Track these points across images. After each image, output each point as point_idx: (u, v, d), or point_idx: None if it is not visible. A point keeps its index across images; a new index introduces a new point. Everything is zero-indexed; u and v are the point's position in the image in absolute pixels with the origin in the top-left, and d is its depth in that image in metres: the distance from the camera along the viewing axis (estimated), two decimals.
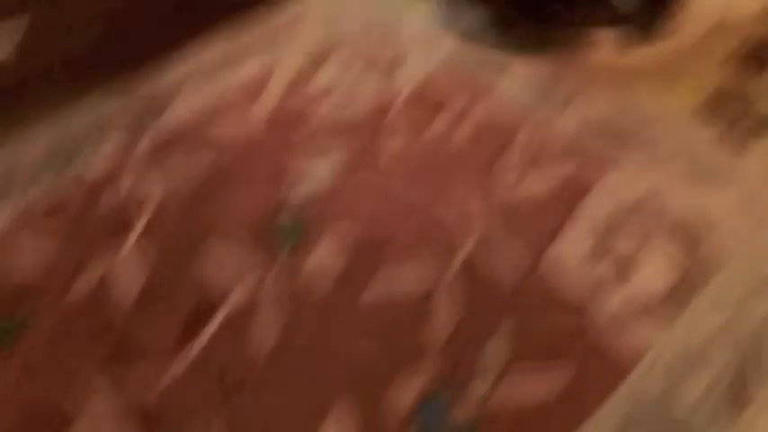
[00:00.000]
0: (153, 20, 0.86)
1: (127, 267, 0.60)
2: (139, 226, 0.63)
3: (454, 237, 0.62)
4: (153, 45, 0.81)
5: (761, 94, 0.78)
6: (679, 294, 0.59)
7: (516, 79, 0.77)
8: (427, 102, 0.76)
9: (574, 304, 0.59)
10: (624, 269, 0.61)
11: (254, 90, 0.76)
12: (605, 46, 0.82)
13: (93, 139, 0.70)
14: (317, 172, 0.67)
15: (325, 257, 0.60)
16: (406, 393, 0.53)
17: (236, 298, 0.58)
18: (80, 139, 0.71)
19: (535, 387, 0.54)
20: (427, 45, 0.82)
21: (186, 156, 0.68)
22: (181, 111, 0.72)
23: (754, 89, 0.79)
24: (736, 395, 0.53)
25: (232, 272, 0.59)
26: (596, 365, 0.55)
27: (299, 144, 0.71)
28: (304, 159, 0.69)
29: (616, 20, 0.83)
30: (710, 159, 0.69)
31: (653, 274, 0.60)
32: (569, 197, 0.66)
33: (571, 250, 0.62)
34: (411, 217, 0.64)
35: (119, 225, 0.63)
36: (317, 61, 0.79)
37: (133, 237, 0.62)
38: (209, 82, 0.76)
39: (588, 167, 0.68)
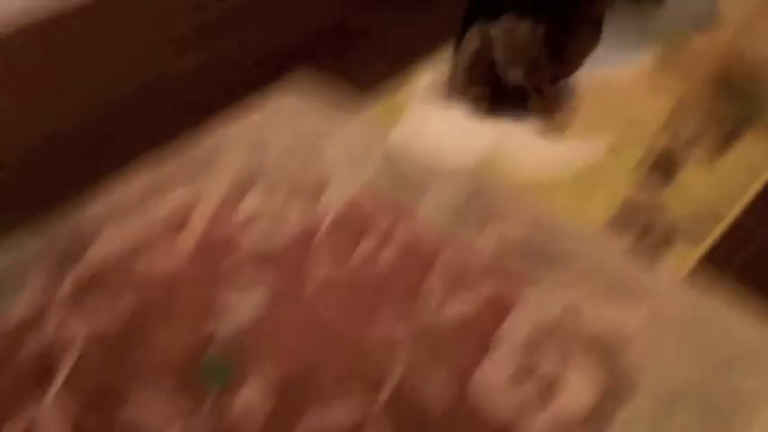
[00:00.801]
0: (73, 153, 0.86)
1: (50, 419, 0.59)
2: (62, 373, 0.62)
3: (382, 367, 0.63)
4: (74, 179, 0.81)
5: (668, 204, 0.82)
6: (600, 413, 0.60)
7: (436, 200, 0.79)
8: (352, 225, 0.78)
9: (500, 427, 0.60)
10: (547, 390, 0.62)
11: (179, 222, 0.77)
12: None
13: (14, 281, 0.70)
14: (242, 306, 0.68)
15: (252, 398, 0.60)
16: None
17: None
18: (1, 282, 0.70)
19: None
20: (350, 168, 0.84)
21: (109, 297, 0.68)
22: (103, 249, 0.72)
23: (662, 199, 0.83)
24: None
25: (159, 418, 0.59)
26: None
27: (224, 276, 0.71)
28: (230, 293, 0.70)
29: None
30: (623, 273, 0.72)
31: (575, 393, 0.62)
32: (491, 318, 0.67)
33: (495, 373, 0.63)
34: (339, 348, 0.65)
35: (42, 372, 0.63)
36: (241, 190, 0.81)
37: (56, 385, 0.61)
38: (132, 216, 0.76)
39: (508, 287, 0.70)
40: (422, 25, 1.12)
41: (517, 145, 0.91)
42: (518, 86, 0.93)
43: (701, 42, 1.08)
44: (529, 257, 0.72)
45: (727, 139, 0.92)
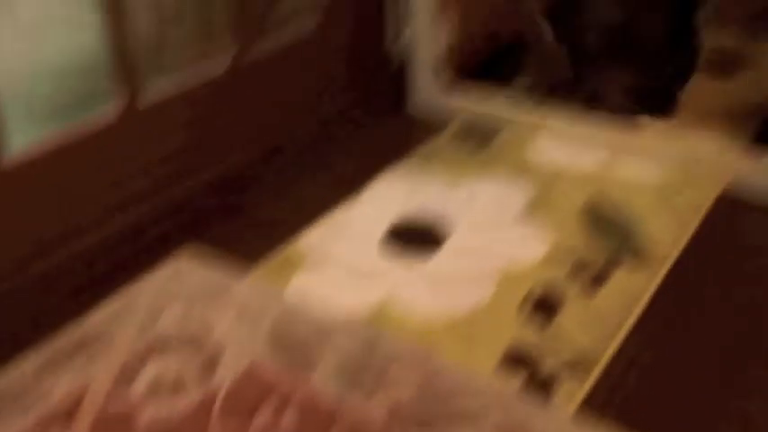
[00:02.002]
0: None
1: None
2: None
3: None
4: None
5: (550, 346, 0.87)
6: None
7: (330, 362, 0.81)
8: (249, 392, 0.78)
9: None
10: None
11: (72, 404, 0.76)
12: None
13: None
14: None
15: None
16: None
17: None
18: None
19: None
20: (244, 333, 0.85)
21: None
22: None
23: (544, 341, 0.88)
24: None
25: None
26: None
27: None
28: None
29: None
30: (515, 419, 0.75)
31: None
32: None
33: None
34: None
35: None
36: (135, 364, 0.81)
37: None
38: (22, 402, 0.75)
39: None
40: (297, 199, 1.18)
41: (406, 294, 0.95)
42: None
43: (572, 179, 1.17)
44: (419, 425, 0.75)
45: (601, 276, 0.98)
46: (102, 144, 1.02)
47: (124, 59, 1.01)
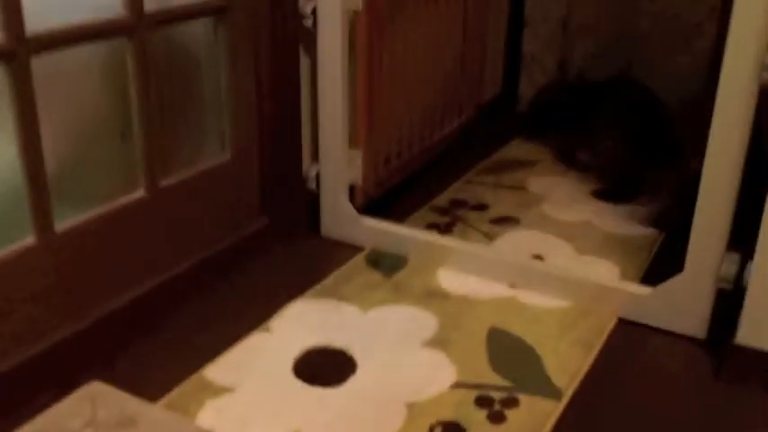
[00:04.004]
0: None
1: None
2: None
3: None
4: None
5: None
6: None
7: None
8: None
9: None
10: None
11: None
12: None
13: None
14: None
15: None
16: None
17: None
18: None
19: None
20: None
21: None
22: None
23: None
24: None
25: None
26: None
27: None
28: None
29: None
30: None
31: None
32: None
33: None
34: None
35: None
36: None
37: None
38: None
39: None
40: (209, 324, 1.18)
41: (318, 422, 0.95)
42: None
43: (477, 307, 1.20)
44: None
45: (506, 404, 1.00)
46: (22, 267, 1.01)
47: (39, 188, 1.01)
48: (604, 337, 1.15)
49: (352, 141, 1.39)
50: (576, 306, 1.21)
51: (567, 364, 1.08)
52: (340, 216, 1.39)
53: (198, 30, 1.25)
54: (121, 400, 0.91)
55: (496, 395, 1.02)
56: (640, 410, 1.01)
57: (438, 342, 1.12)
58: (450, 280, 1.28)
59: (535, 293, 1.24)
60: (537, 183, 1.65)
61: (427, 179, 1.64)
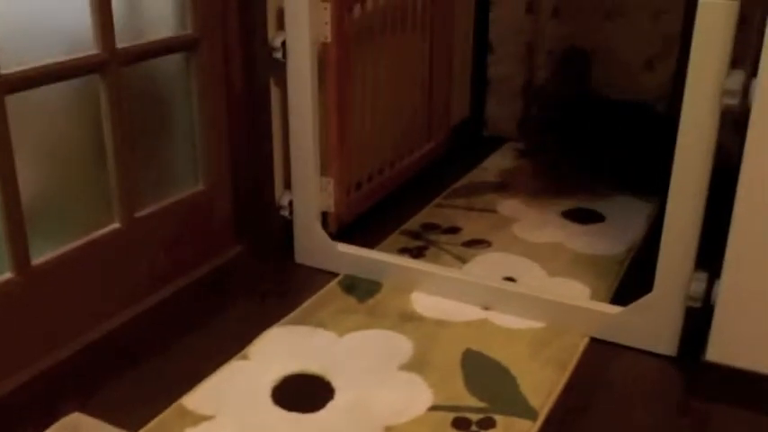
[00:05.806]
0: None
1: None
2: None
3: None
4: None
5: None
6: None
7: None
8: None
9: None
10: None
11: None
12: None
13: None
14: None
15: None
16: None
17: None
18: None
19: None
20: None
21: None
22: None
23: None
24: None
25: None
26: None
27: None
28: None
29: None
30: None
31: None
32: None
33: None
34: None
35: None
36: None
37: None
38: None
39: None
40: (186, 353, 1.18)
41: None
42: None
43: (451, 330, 1.22)
44: None
45: (483, 426, 1.02)
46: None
47: (15, 223, 1.01)
48: (577, 356, 1.17)
49: (324, 169, 1.40)
50: (548, 326, 1.23)
51: (542, 384, 1.10)
52: (313, 243, 1.41)
53: (170, 62, 1.27)
54: (102, 431, 0.91)
55: (473, 416, 1.03)
56: (614, 428, 1.03)
57: (414, 365, 1.13)
58: (425, 303, 1.30)
59: (508, 315, 1.26)
60: (507, 205, 1.68)
61: (399, 204, 1.66)
